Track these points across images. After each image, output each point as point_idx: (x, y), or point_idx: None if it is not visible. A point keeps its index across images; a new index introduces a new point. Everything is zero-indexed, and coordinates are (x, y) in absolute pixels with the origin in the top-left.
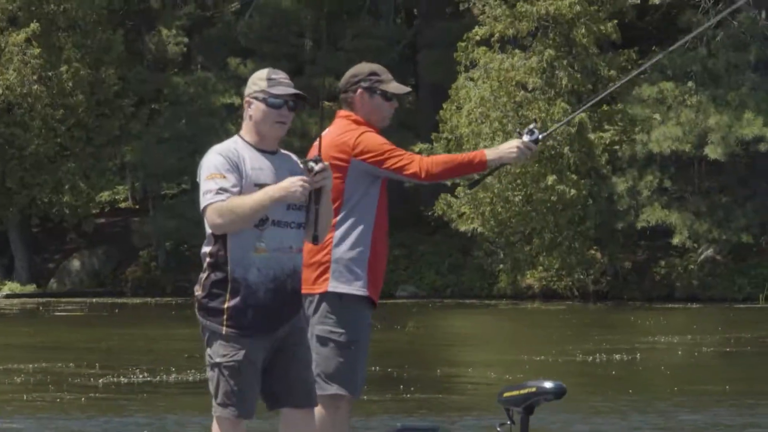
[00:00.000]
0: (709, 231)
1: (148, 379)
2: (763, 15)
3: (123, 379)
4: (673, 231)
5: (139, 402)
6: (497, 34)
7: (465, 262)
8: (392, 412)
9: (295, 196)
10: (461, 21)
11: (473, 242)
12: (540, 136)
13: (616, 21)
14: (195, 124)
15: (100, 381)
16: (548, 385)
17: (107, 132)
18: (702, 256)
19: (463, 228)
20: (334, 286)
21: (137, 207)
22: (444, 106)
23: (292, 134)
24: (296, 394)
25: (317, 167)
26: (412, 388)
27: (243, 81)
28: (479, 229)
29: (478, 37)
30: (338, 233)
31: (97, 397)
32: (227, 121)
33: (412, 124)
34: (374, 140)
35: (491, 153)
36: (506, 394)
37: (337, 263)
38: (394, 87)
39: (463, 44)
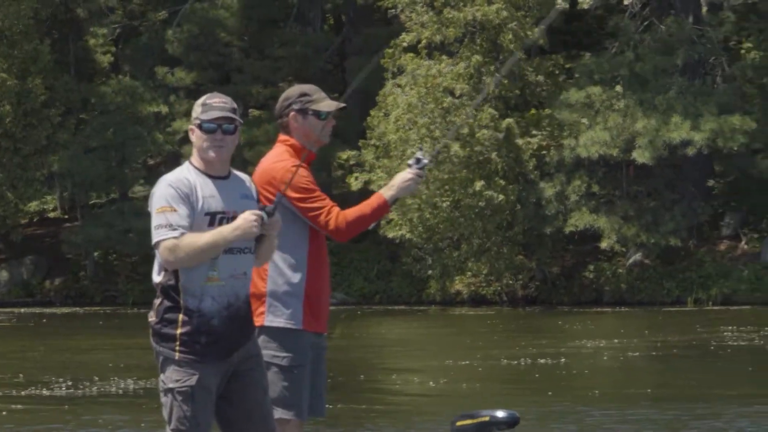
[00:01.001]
0: (637, 235)
1: (71, 390)
2: (690, 19)
3: (45, 391)
4: (601, 235)
5: (61, 414)
6: (424, 41)
7: (394, 269)
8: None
9: (250, 234)
10: (389, 27)
11: (402, 248)
12: (427, 161)
13: (542, 26)
14: (123, 133)
15: (23, 393)
16: (501, 414)
17: (34, 142)
18: (630, 260)
19: (391, 234)
20: (270, 320)
21: (66, 216)
22: (371, 113)
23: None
24: (253, 420)
25: (267, 221)
26: (333, 396)
27: (171, 89)
28: (407, 236)
29: (405, 44)
30: (273, 266)
31: (19, 409)
32: (155, 130)
33: (340, 131)
34: (299, 183)
35: (387, 192)
36: (459, 423)
37: (273, 296)
38: (326, 105)
39: (390, 51)
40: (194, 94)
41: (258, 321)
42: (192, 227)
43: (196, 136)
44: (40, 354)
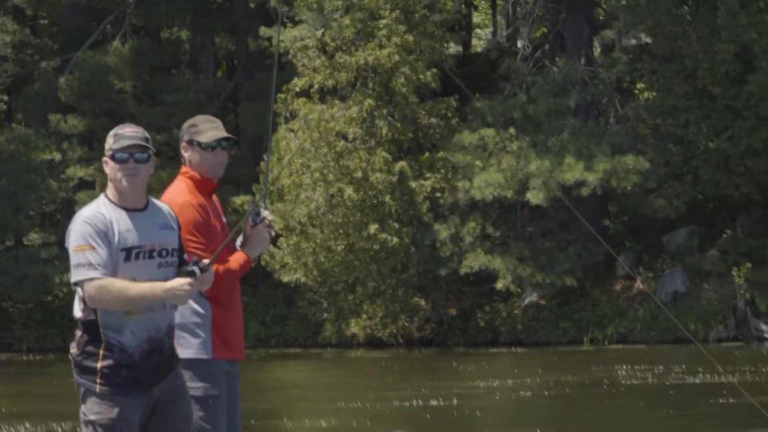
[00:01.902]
0: (533, 275)
1: None
2: (583, 60)
3: None
4: (496, 276)
5: None
6: (317, 85)
7: (289, 312)
8: None
9: (179, 300)
10: (281, 73)
11: (297, 292)
12: (265, 214)
13: (435, 70)
14: (16, 181)
15: None
16: None
17: None
18: (526, 301)
19: (286, 279)
20: (179, 351)
21: None
22: (264, 157)
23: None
24: None
25: (200, 275)
26: None
27: (64, 137)
28: (302, 279)
29: (297, 89)
30: None
31: None
32: (48, 177)
33: (234, 176)
34: (188, 222)
35: (247, 251)
36: None
37: (181, 328)
38: (208, 136)
39: (282, 96)
40: (87, 140)
41: None
42: (110, 264)
43: (109, 168)
44: None
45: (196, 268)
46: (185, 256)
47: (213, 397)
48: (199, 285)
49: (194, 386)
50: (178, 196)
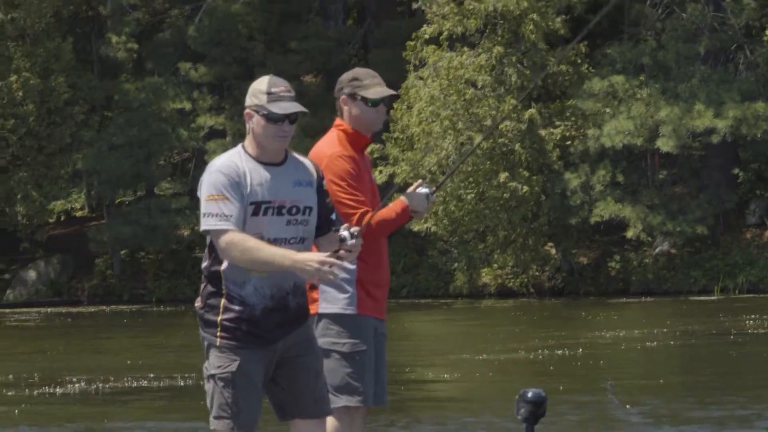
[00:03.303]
0: (663, 224)
1: (84, 387)
2: (711, 6)
3: (59, 390)
4: (627, 225)
5: (70, 413)
6: (446, 32)
7: (420, 262)
8: None
9: (307, 275)
10: (411, 20)
11: (427, 241)
12: (430, 193)
13: (564, 16)
14: (147, 129)
15: (35, 392)
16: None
17: (58, 140)
18: (657, 250)
19: (416, 228)
20: (323, 307)
21: (93, 215)
22: (394, 105)
23: None
24: (304, 404)
25: (350, 243)
26: None
27: (194, 85)
28: (433, 229)
29: (426, 36)
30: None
31: (29, 409)
32: (179, 126)
33: None
34: (338, 173)
35: (406, 200)
36: None
37: (327, 283)
38: (373, 92)
39: (411, 43)
40: (218, 89)
41: (313, 308)
42: (241, 216)
43: (256, 123)
44: (58, 353)
45: (347, 233)
46: (333, 216)
47: (360, 353)
48: (343, 257)
49: (340, 341)
50: (327, 148)
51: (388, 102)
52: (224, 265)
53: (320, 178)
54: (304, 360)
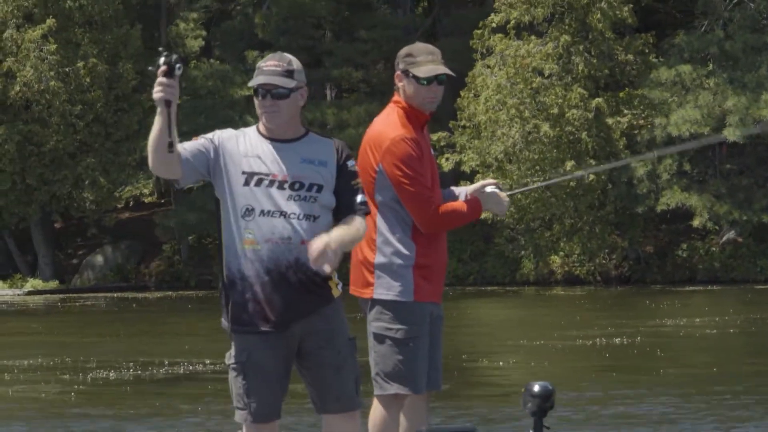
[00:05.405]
0: (730, 213)
1: (138, 373)
2: None
3: (112, 374)
4: (693, 214)
5: (121, 397)
6: (513, 21)
7: (487, 249)
8: None
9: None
10: (479, 9)
11: (494, 229)
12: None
13: (632, 5)
14: (214, 117)
15: (89, 376)
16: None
17: (126, 127)
18: (723, 239)
19: (483, 216)
20: (379, 293)
21: (162, 201)
22: (461, 93)
23: (311, 125)
24: (326, 401)
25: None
26: None
27: None
28: (499, 217)
29: (494, 25)
30: (380, 237)
31: (83, 390)
32: (246, 114)
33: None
34: (402, 158)
35: (482, 199)
36: None
37: (382, 269)
38: (424, 71)
39: (479, 32)
40: None
41: (368, 293)
42: (191, 155)
43: (255, 101)
44: (119, 338)
45: (163, 59)
46: (359, 198)
47: (413, 339)
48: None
49: (394, 327)
50: (390, 130)
51: (444, 81)
52: (223, 235)
53: (343, 159)
54: (322, 354)
